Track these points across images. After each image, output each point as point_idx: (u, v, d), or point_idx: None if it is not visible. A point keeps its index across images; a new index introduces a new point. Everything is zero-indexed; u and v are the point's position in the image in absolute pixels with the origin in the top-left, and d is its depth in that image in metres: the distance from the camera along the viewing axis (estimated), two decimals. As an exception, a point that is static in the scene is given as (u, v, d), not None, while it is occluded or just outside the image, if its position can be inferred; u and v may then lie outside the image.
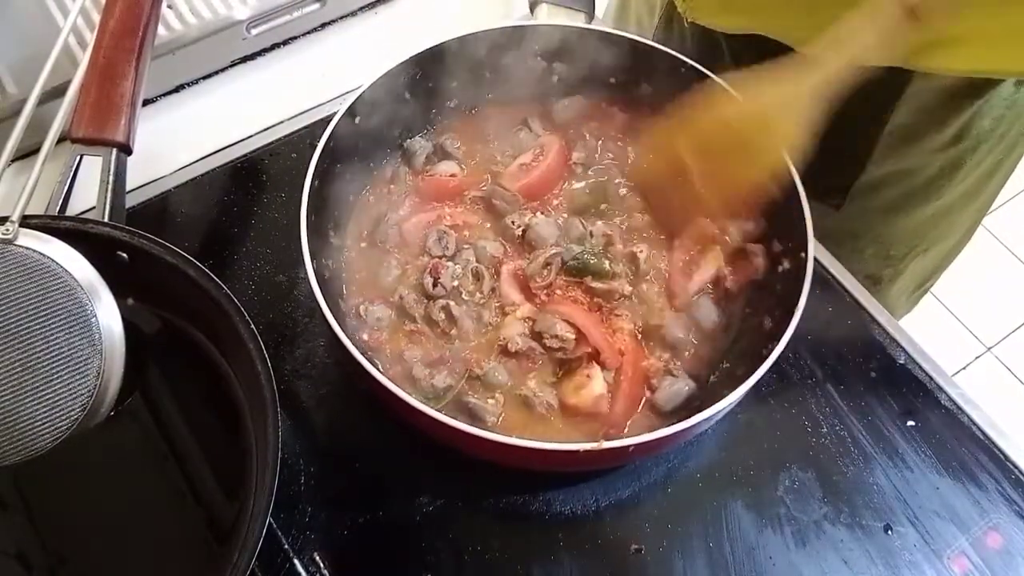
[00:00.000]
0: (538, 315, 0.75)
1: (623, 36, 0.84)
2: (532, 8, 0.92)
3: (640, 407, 0.73)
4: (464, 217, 0.82)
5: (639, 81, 0.86)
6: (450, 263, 0.78)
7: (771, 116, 0.71)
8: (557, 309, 0.75)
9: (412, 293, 0.76)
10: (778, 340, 0.67)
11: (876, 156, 0.91)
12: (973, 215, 1.04)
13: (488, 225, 0.82)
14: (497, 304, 0.77)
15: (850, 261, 0.89)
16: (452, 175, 0.84)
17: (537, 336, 0.74)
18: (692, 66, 0.81)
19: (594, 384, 0.72)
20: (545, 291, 0.76)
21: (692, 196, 0.76)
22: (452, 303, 0.75)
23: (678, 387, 0.73)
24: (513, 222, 0.80)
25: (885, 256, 1.02)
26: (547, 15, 0.90)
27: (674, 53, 0.82)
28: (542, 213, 0.81)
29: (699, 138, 0.74)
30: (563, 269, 0.77)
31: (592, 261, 0.76)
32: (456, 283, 0.76)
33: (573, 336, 0.73)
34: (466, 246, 0.79)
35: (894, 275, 1.05)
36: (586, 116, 0.89)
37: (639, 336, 0.76)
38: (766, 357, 0.65)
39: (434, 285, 0.76)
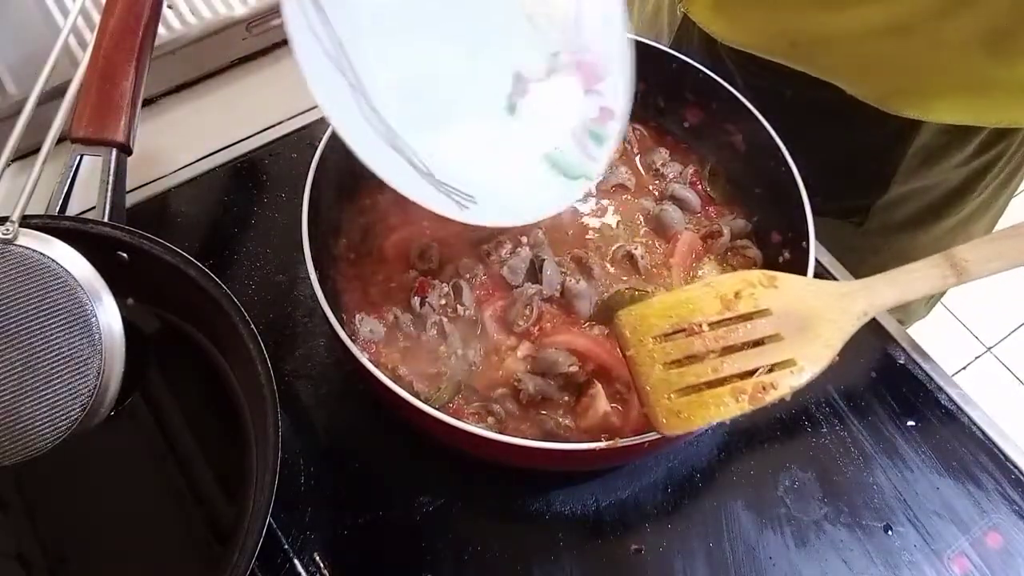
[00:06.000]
0: (537, 352, 0.72)
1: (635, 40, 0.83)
2: None
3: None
4: (444, 228, 0.79)
5: (647, 87, 0.84)
6: (436, 281, 0.76)
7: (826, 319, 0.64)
8: (554, 341, 0.73)
9: (404, 313, 0.75)
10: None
11: (899, 176, 0.92)
12: (988, 223, 1.05)
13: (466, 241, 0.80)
14: (492, 346, 0.74)
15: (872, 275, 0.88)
16: None
17: (542, 373, 0.72)
18: (706, 74, 0.81)
19: (598, 403, 0.70)
20: (535, 326, 0.74)
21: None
22: (444, 319, 0.74)
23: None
24: (488, 254, 0.78)
25: None
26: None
27: (686, 59, 0.81)
28: (517, 247, 0.78)
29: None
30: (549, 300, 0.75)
31: (636, 294, 0.75)
32: (444, 302, 0.75)
33: (579, 366, 0.71)
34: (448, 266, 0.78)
35: None
36: None
37: None
38: None
39: (421, 304, 0.75)
